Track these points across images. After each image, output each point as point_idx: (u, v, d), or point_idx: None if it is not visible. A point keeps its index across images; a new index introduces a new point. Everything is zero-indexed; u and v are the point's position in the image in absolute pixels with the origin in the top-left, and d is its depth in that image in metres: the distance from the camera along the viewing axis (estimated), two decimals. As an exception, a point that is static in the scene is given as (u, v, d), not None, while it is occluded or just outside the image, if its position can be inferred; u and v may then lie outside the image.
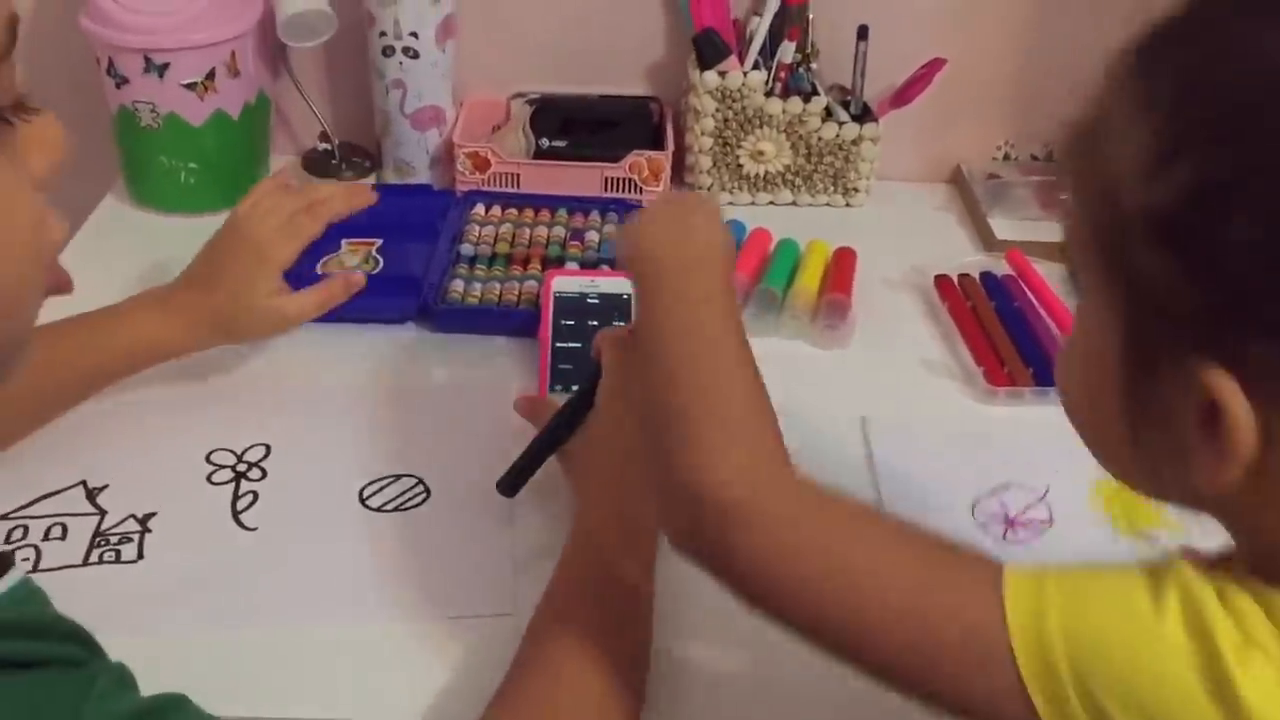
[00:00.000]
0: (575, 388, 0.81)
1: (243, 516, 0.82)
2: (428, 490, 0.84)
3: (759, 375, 0.60)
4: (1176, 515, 0.56)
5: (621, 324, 0.94)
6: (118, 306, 0.87)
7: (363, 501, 0.83)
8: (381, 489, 0.84)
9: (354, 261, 1.07)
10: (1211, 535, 0.52)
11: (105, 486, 0.83)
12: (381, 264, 1.07)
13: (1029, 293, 1.06)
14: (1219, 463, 0.47)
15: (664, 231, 0.65)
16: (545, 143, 1.17)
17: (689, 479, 0.55)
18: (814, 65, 1.18)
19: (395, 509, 0.83)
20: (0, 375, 0.50)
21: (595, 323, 0.96)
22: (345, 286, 0.92)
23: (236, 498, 0.83)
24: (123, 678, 0.48)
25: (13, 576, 0.46)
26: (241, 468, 0.86)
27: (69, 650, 0.47)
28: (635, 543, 0.72)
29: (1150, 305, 0.48)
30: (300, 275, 1.04)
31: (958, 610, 0.51)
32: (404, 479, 0.85)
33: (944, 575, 0.52)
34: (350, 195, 0.98)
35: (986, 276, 1.09)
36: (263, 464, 0.86)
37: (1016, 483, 0.87)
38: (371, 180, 1.22)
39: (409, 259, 1.06)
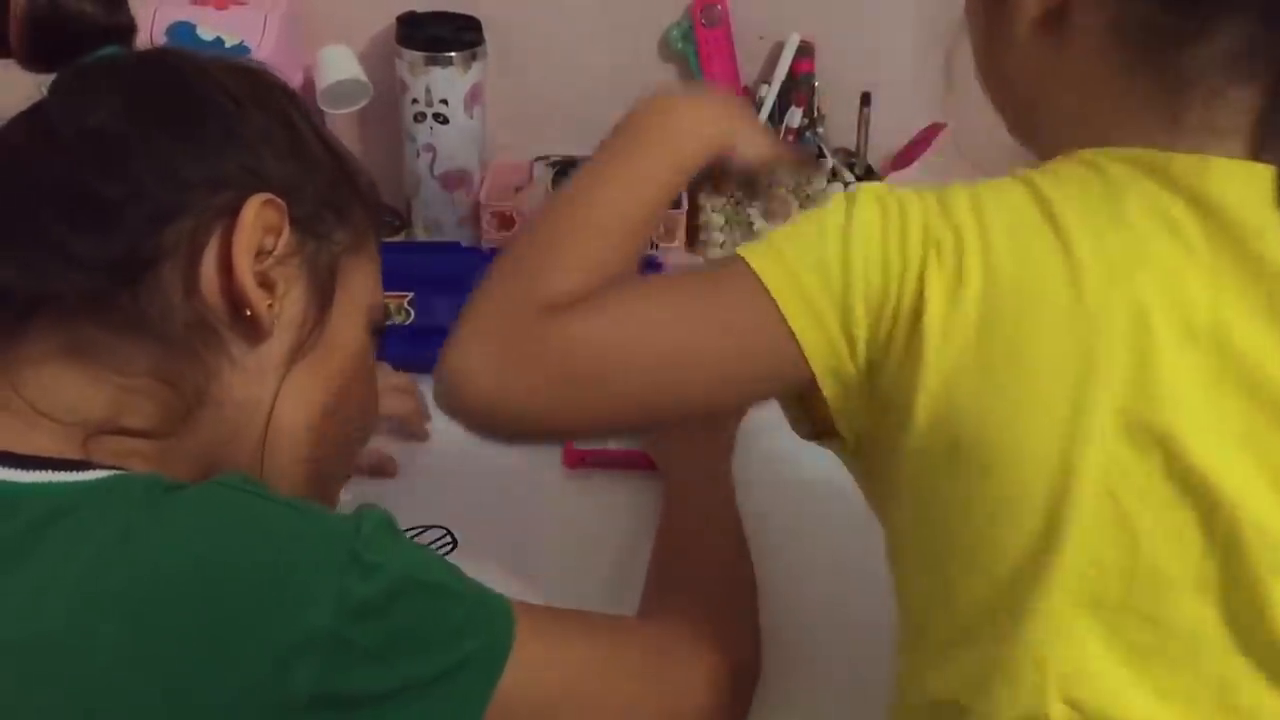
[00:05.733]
0: None
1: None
2: (454, 541, 0.89)
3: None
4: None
5: None
6: None
7: (393, 552, 0.89)
8: (412, 539, 0.89)
9: (387, 313, 1.15)
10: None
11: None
12: (413, 315, 1.14)
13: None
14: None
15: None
16: (566, 202, 1.24)
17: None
18: (820, 129, 1.25)
19: (424, 559, 0.89)
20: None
21: None
22: (381, 466, 0.95)
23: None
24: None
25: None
26: (279, 516, 0.92)
27: None
28: (723, 487, 0.88)
29: None
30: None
31: (733, 317, 0.60)
32: (433, 530, 0.90)
33: (714, 299, 0.61)
34: (413, 416, 1.00)
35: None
36: (299, 513, 0.92)
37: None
38: (402, 237, 1.29)
39: (439, 311, 1.12)
